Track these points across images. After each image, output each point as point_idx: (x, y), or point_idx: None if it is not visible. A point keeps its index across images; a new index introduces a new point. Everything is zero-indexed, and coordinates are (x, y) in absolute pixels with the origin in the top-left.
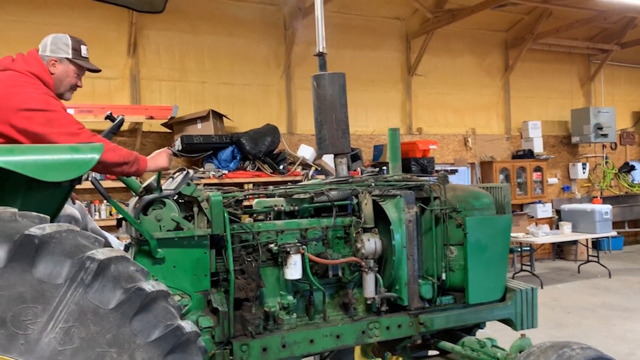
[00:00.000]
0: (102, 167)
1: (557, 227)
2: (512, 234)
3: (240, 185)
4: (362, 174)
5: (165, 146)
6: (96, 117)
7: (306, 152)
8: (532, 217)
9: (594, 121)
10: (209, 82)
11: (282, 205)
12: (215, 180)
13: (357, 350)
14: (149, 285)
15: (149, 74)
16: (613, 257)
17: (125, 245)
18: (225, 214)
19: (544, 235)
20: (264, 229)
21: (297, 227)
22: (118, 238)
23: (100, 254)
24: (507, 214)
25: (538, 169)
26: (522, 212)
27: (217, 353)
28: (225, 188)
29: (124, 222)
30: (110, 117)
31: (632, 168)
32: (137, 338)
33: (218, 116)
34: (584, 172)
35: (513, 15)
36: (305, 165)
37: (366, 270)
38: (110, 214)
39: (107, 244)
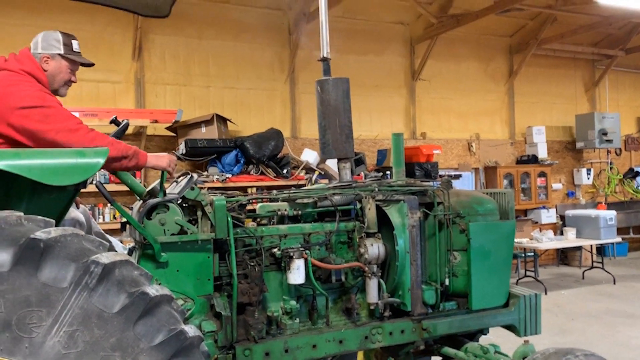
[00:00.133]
0: None
1: (562, 233)
2: (515, 240)
3: (243, 189)
4: (365, 178)
5: (170, 150)
6: (101, 121)
7: (310, 156)
8: (536, 222)
9: (599, 127)
10: (213, 87)
11: (285, 210)
12: (219, 184)
13: (360, 356)
14: (153, 290)
15: (154, 78)
16: (618, 263)
17: (129, 249)
18: (229, 218)
19: (548, 241)
20: (267, 233)
21: (301, 232)
22: (122, 241)
23: (105, 258)
24: (510, 220)
25: (542, 175)
26: (526, 218)
27: (220, 357)
28: (229, 192)
29: (127, 226)
30: (115, 121)
31: (637, 174)
32: (140, 342)
33: (222, 120)
34: (588, 178)
35: (517, 21)
36: (308, 170)
37: (369, 275)
38: (114, 218)
39: (111, 248)
